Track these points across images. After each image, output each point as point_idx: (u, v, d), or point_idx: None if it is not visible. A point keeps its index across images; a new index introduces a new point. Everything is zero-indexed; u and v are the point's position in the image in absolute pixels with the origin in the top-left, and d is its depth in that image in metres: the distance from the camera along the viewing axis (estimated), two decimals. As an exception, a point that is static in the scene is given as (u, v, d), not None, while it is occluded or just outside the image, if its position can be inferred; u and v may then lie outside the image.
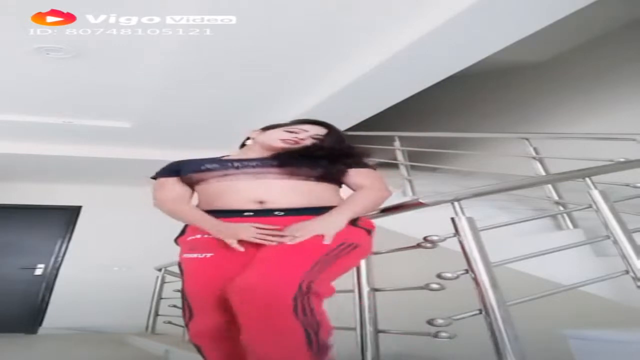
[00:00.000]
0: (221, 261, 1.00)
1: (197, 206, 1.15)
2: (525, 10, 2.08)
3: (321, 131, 1.20)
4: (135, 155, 4.11)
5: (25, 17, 2.18)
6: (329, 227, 1.01)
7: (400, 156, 2.78)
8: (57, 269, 4.67)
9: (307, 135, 1.17)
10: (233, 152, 1.31)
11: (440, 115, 4.75)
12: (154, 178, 1.24)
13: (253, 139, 1.24)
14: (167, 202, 1.15)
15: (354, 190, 1.19)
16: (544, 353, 1.47)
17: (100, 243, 4.78)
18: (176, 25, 2.28)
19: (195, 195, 1.20)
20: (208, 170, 1.13)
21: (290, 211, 1.06)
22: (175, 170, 1.20)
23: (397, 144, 2.86)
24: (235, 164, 1.13)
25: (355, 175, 1.19)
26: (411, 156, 2.82)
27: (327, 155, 1.16)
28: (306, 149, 1.17)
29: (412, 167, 2.77)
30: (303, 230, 0.99)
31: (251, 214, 1.05)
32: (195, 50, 2.54)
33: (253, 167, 1.12)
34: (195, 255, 1.03)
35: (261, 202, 1.06)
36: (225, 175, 1.11)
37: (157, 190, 1.19)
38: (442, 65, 2.62)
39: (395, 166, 2.74)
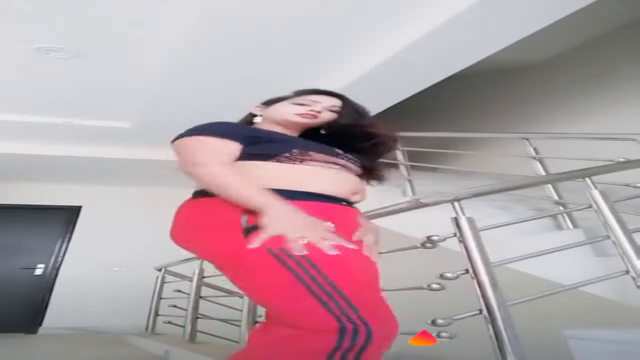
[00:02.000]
0: (362, 262, 0.80)
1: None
2: (525, 10, 2.08)
3: (336, 102, 1.03)
4: (135, 155, 4.11)
5: (25, 17, 2.19)
6: None
7: (400, 156, 2.78)
8: (57, 269, 4.67)
9: (322, 107, 1.00)
10: None
11: (441, 115, 4.75)
12: (185, 135, 0.89)
13: (261, 115, 1.06)
14: (223, 165, 0.83)
15: None
16: (544, 353, 1.47)
17: (100, 243, 4.78)
18: (176, 25, 2.28)
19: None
20: (312, 151, 0.90)
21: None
22: (244, 135, 0.89)
23: (397, 144, 2.85)
24: (337, 152, 0.95)
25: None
26: (411, 156, 2.82)
27: (355, 134, 1.01)
28: (352, 127, 1.00)
29: (412, 167, 2.77)
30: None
31: (345, 203, 0.90)
32: (195, 50, 2.54)
33: (338, 156, 0.95)
34: (342, 244, 0.75)
35: (354, 193, 0.92)
36: (329, 162, 0.91)
37: (199, 148, 0.86)
38: (442, 65, 2.62)
39: (395, 166, 2.74)
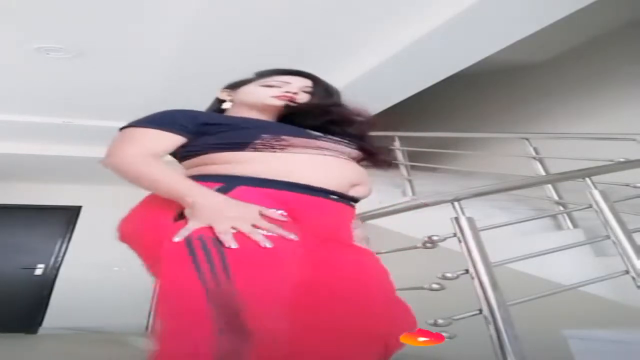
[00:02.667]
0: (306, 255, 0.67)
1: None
2: (525, 10, 2.08)
3: (307, 82, 0.94)
4: (135, 155, 4.11)
5: (25, 17, 2.19)
6: None
7: (400, 156, 2.78)
8: (57, 269, 4.67)
9: (297, 88, 0.91)
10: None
11: (441, 115, 4.74)
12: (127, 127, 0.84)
13: (231, 100, 0.95)
14: (139, 157, 0.74)
15: None
16: (544, 353, 1.47)
17: (100, 243, 4.73)
18: (176, 25, 2.28)
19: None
20: (286, 135, 0.79)
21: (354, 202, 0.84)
22: (193, 124, 0.81)
23: (397, 144, 2.86)
24: (318, 135, 0.83)
25: None
26: (411, 156, 2.82)
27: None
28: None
29: (412, 167, 2.77)
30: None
31: (335, 197, 0.77)
32: (194, 50, 2.54)
33: (319, 139, 0.83)
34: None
35: (354, 185, 0.81)
36: (315, 147, 0.80)
37: (126, 142, 0.79)
38: (442, 65, 2.62)
39: (395, 166, 2.74)
